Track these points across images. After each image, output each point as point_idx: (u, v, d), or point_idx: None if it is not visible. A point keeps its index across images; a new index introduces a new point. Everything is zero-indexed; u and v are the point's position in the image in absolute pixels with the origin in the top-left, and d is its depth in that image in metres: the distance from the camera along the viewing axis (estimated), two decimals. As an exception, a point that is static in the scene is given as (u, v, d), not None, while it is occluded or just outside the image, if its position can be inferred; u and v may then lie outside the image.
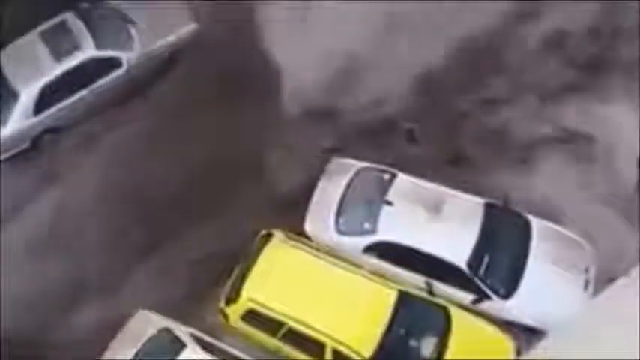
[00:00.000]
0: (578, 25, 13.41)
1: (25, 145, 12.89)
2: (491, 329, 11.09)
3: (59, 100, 12.77)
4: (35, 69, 12.69)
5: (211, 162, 12.48)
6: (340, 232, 11.62)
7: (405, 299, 10.99)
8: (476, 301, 11.34)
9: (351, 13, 13.27)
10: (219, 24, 13.31)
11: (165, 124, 12.78)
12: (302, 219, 11.73)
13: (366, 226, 11.49)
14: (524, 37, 13.42)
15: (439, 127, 12.87)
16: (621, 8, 13.38)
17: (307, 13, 13.42)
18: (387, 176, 11.87)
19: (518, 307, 11.23)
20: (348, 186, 11.87)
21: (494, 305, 11.28)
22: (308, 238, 11.71)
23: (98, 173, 12.60)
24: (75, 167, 12.66)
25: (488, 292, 11.24)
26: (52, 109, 12.78)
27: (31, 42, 12.88)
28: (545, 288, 11.29)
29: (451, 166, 12.49)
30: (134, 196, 12.31)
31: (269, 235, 11.56)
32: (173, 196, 12.26)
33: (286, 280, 11.11)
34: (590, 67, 13.17)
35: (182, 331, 10.84)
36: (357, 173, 12.00)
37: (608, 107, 12.81)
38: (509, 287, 11.26)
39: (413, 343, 10.83)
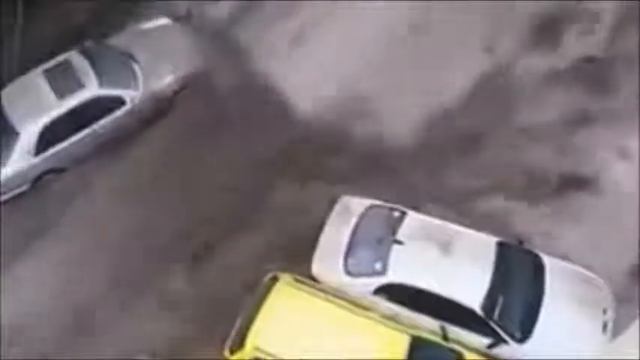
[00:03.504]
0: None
1: (26, 187, 12.65)
2: (508, 376, 10.70)
3: (61, 140, 12.57)
4: (37, 108, 12.51)
5: (216, 199, 12.29)
6: (349, 273, 11.26)
7: (418, 344, 10.60)
8: (491, 346, 10.94)
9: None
10: (222, 63, 13.30)
11: (170, 161, 12.66)
12: (309, 260, 11.41)
13: (377, 266, 11.14)
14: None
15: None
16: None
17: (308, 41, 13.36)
18: (396, 214, 11.57)
19: (534, 351, 10.82)
20: (357, 225, 11.55)
21: (510, 350, 10.88)
22: (316, 280, 11.36)
23: (98, 215, 12.44)
24: (74, 209, 12.47)
25: (504, 336, 10.85)
26: (53, 150, 12.57)
27: (34, 80, 12.73)
28: (562, 331, 10.88)
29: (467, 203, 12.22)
30: (135, 235, 12.11)
31: (275, 279, 11.20)
32: (176, 234, 12.08)
33: (293, 327, 10.72)
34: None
35: None
36: (366, 211, 11.70)
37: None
38: (524, 330, 10.88)
39: (427, 390, 10.41)
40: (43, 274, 12.07)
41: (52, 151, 12.57)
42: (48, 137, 12.45)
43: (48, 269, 12.10)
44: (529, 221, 12.04)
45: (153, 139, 12.94)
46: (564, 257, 11.54)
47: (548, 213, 12.19)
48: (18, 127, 12.41)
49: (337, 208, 11.88)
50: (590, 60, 13.24)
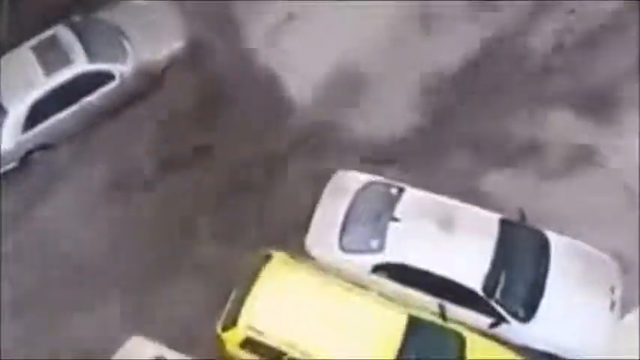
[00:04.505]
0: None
1: (14, 164, 12.43)
2: (509, 356, 10.28)
3: (49, 115, 12.35)
4: (25, 84, 12.28)
5: (210, 179, 12.06)
6: (345, 250, 10.90)
7: (416, 325, 10.25)
8: (492, 326, 10.56)
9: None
10: (212, 39, 13.05)
11: (160, 136, 12.42)
12: (303, 238, 11.06)
13: (373, 243, 10.78)
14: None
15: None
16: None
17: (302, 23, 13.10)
18: (394, 190, 11.17)
19: (538, 331, 10.44)
20: (353, 201, 11.18)
21: (512, 330, 10.49)
22: (310, 257, 11.00)
23: (87, 191, 12.21)
24: (63, 185, 12.25)
25: (506, 315, 10.46)
26: (42, 126, 12.34)
27: (22, 56, 12.51)
28: (567, 310, 10.50)
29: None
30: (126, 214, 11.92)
31: (268, 256, 10.85)
32: (167, 209, 11.88)
33: (287, 305, 10.39)
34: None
35: (176, 359, 10.24)
36: (363, 187, 11.31)
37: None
38: (528, 310, 10.49)
39: (425, 372, 10.05)
40: (32, 251, 11.87)
41: (40, 127, 12.35)
42: (36, 113, 12.24)
43: (37, 247, 11.90)
44: (534, 198, 11.62)
45: (142, 114, 12.71)
46: (570, 234, 11.11)
47: (554, 189, 11.78)
48: (6, 104, 12.22)
49: (332, 182, 11.54)
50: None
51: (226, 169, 12.18)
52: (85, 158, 12.48)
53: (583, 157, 12.03)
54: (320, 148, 12.25)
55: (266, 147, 12.32)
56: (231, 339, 10.37)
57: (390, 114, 12.48)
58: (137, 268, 11.60)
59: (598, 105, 12.38)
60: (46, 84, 12.19)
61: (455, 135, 12.29)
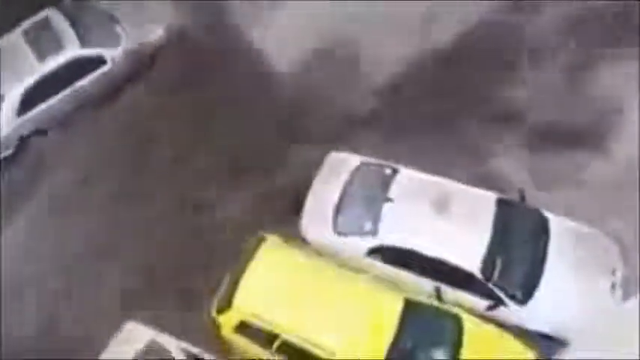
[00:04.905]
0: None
1: (10, 151, 12.48)
2: (507, 338, 10.10)
3: (43, 100, 12.37)
4: (18, 70, 12.32)
5: (204, 157, 12.00)
6: (339, 232, 10.75)
7: (412, 307, 10.07)
8: (490, 308, 10.37)
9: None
10: (202, 19, 13.07)
11: (153, 117, 12.41)
12: (297, 220, 10.93)
13: (367, 226, 10.61)
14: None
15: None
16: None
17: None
18: (388, 171, 10.98)
19: (536, 313, 10.24)
20: (347, 183, 11.01)
21: (510, 312, 10.29)
22: (305, 240, 10.87)
23: (82, 175, 12.22)
24: (59, 169, 12.29)
25: (504, 297, 10.26)
26: (36, 111, 12.37)
27: (13, 41, 12.59)
28: (567, 292, 10.27)
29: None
30: (122, 194, 11.90)
31: (262, 239, 10.71)
32: (164, 190, 11.84)
33: (281, 288, 10.24)
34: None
35: (172, 344, 10.21)
36: (356, 169, 11.14)
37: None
38: (526, 292, 10.28)
39: (422, 355, 9.88)
40: (30, 236, 11.91)
41: (34, 112, 12.38)
42: (30, 99, 12.28)
43: (33, 232, 11.95)
44: (532, 178, 11.43)
45: (135, 96, 12.70)
46: (571, 215, 10.88)
47: (553, 169, 11.55)
48: (0, 90, 12.19)
49: (326, 165, 11.37)
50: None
51: (219, 150, 12.08)
52: (77, 142, 12.48)
53: (583, 137, 11.81)
54: (309, 123, 12.11)
55: (256, 123, 12.20)
56: (226, 322, 10.27)
57: (378, 89, 12.31)
58: (136, 247, 11.53)
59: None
60: (39, 69, 12.21)
61: (445, 109, 12.03)
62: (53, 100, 12.38)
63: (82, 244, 11.72)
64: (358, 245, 10.61)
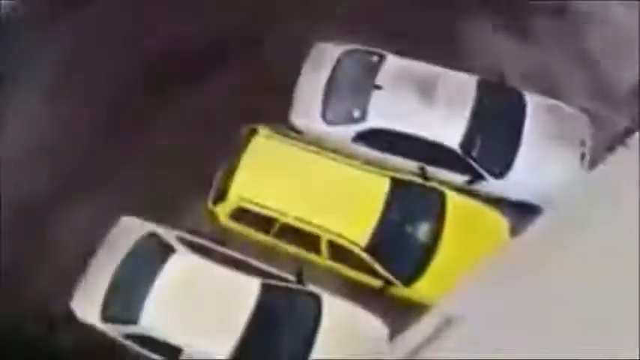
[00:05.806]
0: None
1: None
2: (486, 209, 10.95)
3: None
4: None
5: (197, 37, 11.79)
6: (328, 121, 11.17)
7: (398, 186, 10.75)
8: (470, 182, 11.12)
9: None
10: None
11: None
12: (287, 112, 11.25)
13: (356, 113, 11.04)
14: None
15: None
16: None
17: None
18: (375, 58, 11.27)
19: (512, 184, 11.02)
20: (334, 71, 11.27)
21: (488, 185, 11.08)
22: (295, 130, 11.29)
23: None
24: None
25: (482, 172, 11.00)
26: None
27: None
28: (541, 164, 11.04)
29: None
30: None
31: (254, 131, 11.13)
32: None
33: (275, 175, 10.78)
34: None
35: (169, 235, 10.49)
36: (342, 57, 11.38)
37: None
38: (503, 166, 11.01)
39: (409, 228, 10.70)
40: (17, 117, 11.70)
41: None
42: None
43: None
44: (515, 55, 11.76)
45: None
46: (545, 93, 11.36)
47: (535, 43, 11.85)
48: None
49: (312, 55, 11.55)
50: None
51: (205, 40, 11.83)
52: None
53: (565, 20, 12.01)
54: (296, 17, 11.90)
55: (242, 18, 11.94)
56: (223, 211, 10.83)
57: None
58: (114, 147, 11.43)
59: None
60: None
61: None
62: None
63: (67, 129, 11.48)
64: (346, 131, 11.06)
